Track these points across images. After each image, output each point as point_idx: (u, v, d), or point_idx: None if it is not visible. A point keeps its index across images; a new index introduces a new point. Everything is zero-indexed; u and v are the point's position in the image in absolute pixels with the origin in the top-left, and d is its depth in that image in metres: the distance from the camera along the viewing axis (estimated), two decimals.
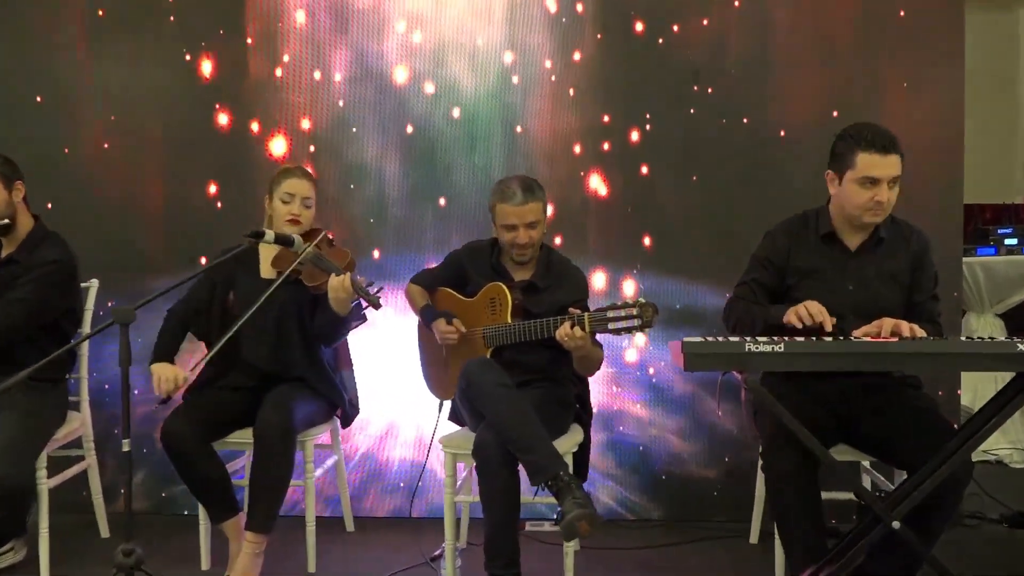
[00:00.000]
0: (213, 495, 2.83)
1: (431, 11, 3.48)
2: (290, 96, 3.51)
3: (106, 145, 3.57)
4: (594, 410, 3.13)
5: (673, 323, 3.41)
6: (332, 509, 3.50)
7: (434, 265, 3.17)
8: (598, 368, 2.89)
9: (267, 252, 2.97)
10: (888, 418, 2.51)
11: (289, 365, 2.94)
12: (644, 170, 3.44)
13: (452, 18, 3.48)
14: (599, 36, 3.44)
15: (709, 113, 3.40)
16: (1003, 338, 2.30)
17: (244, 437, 2.83)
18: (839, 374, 2.43)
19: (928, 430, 2.43)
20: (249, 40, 3.51)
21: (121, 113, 3.56)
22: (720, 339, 2.24)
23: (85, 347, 3.23)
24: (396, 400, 3.48)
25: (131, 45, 3.54)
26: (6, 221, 2.91)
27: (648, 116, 3.43)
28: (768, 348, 2.17)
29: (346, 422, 3.17)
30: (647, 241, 3.45)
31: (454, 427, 2.99)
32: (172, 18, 3.52)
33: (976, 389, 3.99)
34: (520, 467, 2.54)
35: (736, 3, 3.39)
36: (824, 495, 2.57)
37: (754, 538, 3.17)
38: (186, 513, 3.49)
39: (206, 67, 3.53)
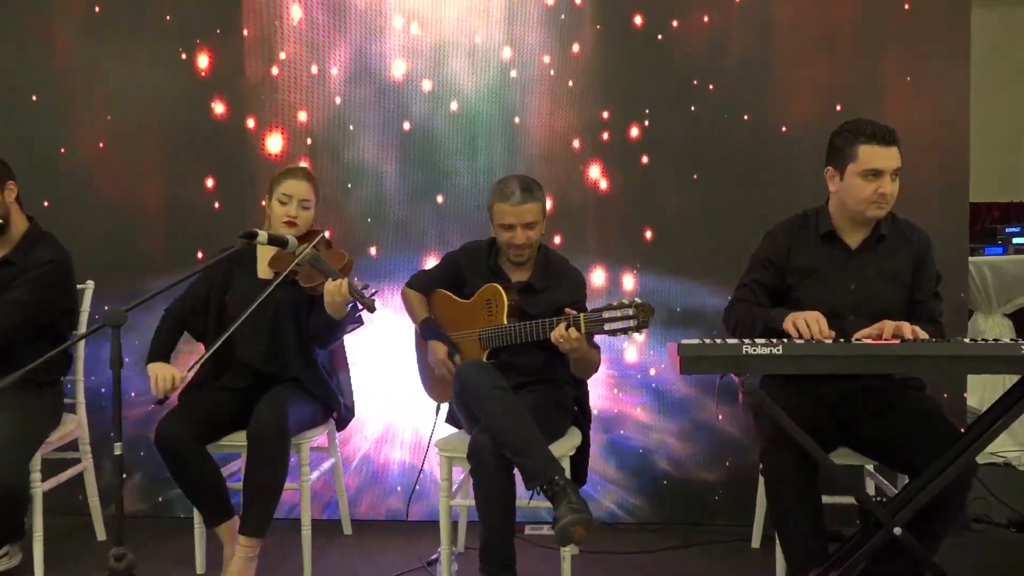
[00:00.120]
0: (207, 498, 2.81)
1: (429, 7, 3.45)
2: (287, 94, 3.48)
3: (102, 144, 3.55)
4: (594, 412, 3.09)
5: (673, 324, 3.37)
6: (330, 512, 3.47)
7: (431, 266, 3.14)
8: (595, 371, 2.85)
9: (265, 252, 2.95)
10: (889, 420, 2.47)
11: (284, 366, 2.92)
12: (644, 167, 3.39)
13: (450, 14, 3.44)
14: (598, 27, 3.39)
15: (710, 110, 3.36)
16: (1009, 339, 2.26)
17: (239, 440, 2.80)
18: (839, 376, 2.40)
19: (930, 433, 2.39)
20: (246, 38, 3.48)
21: (118, 112, 3.54)
22: (717, 341, 2.20)
23: (81, 349, 3.21)
24: (394, 402, 3.45)
25: (128, 44, 3.52)
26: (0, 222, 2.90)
27: (647, 112, 3.38)
28: (766, 350, 2.14)
29: (341, 425, 3.14)
30: (647, 239, 3.41)
31: (452, 430, 2.96)
32: (169, 17, 3.49)
33: (984, 390, 3.94)
34: (516, 471, 2.51)
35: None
36: (827, 499, 2.54)
37: (756, 542, 3.13)
38: (182, 516, 3.47)
39: (203, 66, 3.50)
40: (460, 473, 2.91)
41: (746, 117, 3.34)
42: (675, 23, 3.36)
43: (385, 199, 3.49)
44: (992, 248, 4.20)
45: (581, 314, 2.58)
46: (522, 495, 2.55)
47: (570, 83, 3.41)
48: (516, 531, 3.10)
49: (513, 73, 3.43)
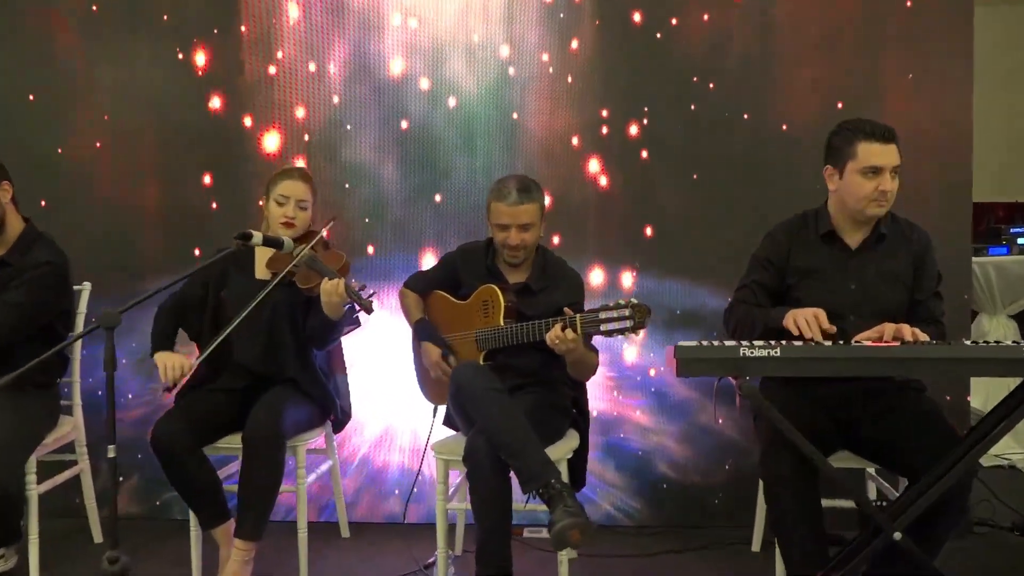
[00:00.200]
0: (203, 500, 2.79)
1: (427, 5, 3.42)
2: (285, 94, 3.46)
3: (99, 144, 3.53)
4: (593, 414, 3.07)
5: (673, 325, 3.34)
6: (327, 515, 3.45)
7: (428, 267, 3.12)
8: (593, 373, 2.83)
9: (263, 253, 2.94)
10: (889, 423, 2.45)
11: (281, 367, 2.90)
12: (644, 166, 3.37)
13: (449, 12, 3.42)
14: (597, 24, 3.37)
15: (710, 109, 3.33)
16: (1012, 341, 2.22)
17: (236, 442, 2.78)
18: (839, 378, 2.37)
19: (930, 436, 2.37)
20: (244, 37, 3.46)
21: (115, 112, 3.52)
22: (715, 343, 2.18)
23: (77, 351, 3.20)
24: (392, 404, 3.43)
25: (125, 43, 3.50)
26: None
27: (646, 110, 3.36)
28: (764, 353, 2.11)
29: (338, 427, 3.13)
30: (647, 239, 3.38)
31: (450, 432, 2.93)
32: (166, 16, 3.48)
33: (988, 392, 3.91)
34: (512, 473, 2.48)
35: None
36: (828, 502, 2.53)
37: (756, 546, 3.10)
38: (180, 518, 3.45)
39: (200, 65, 3.48)
40: (458, 476, 2.89)
41: (746, 116, 3.31)
42: (674, 21, 3.33)
43: (383, 199, 3.47)
44: (996, 248, 4.16)
45: (577, 315, 2.56)
46: (519, 498, 2.53)
47: (569, 80, 3.38)
48: (514, 534, 3.09)
49: (511, 71, 3.40)
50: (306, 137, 3.47)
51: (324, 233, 2.91)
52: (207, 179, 3.50)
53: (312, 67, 3.45)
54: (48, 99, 3.54)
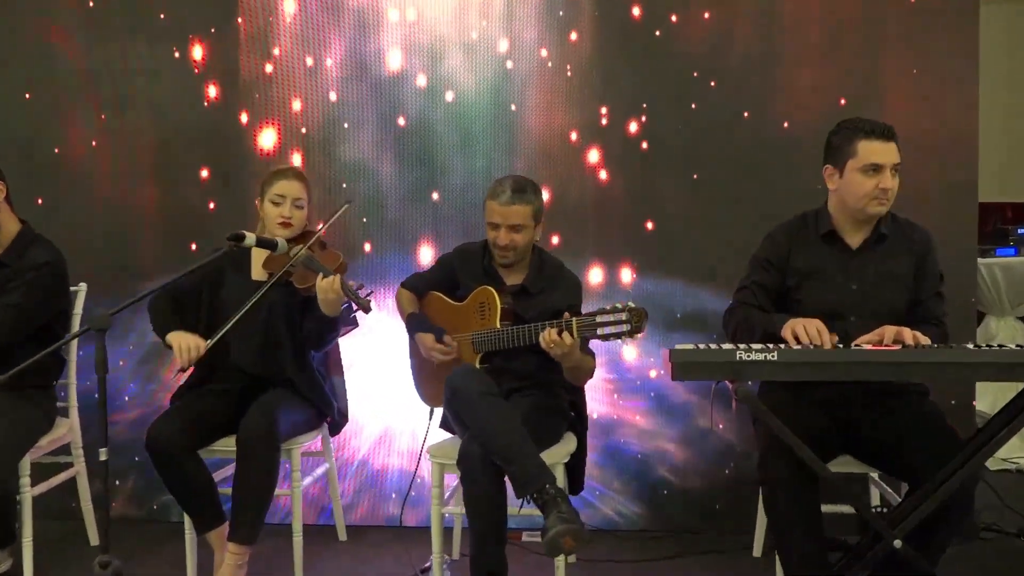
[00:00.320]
0: (198, 503, 2.77)
1: (426, 1, 3.39)
2: (282, 91, 3.44)
3: (95, 143, 3.52)
4: (592, 417, 3.03)
5: (674, 327, 3.30)
6: (325, 518, 3.43)
7: (426, 268, 3.09)
8: (589, 377, 2.79)
9: (259, 254, 2.92)
10: (890, 427, 2.41)
11: (278, 369, 2.88)
12: (643, 164, 3.33)
13: (447, 8, 3.38)
14: (596, 21, 3.33)
15: (710, 107, 3.28)
16: (1016, 344, 2.18)
17: (231, 444, 2.76)
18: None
19: (932, 440, 2.33)
20: (240, 35, 3.44)
21: (111, 111, 3.50)
22: (712, 346, 2.14)
23: (73, 352, 3.18)
24: (391, 406, 3.40)
25: (122, 42, 3.49)
26: None
27: (645, 107, 3.32)
28: (761, 356, 2.07)
29: (335, 430, 3.10)
30: (646, 238, 3.34)
31: (447, 435, 2.90)
32: (162, 15, 3.46)
33: (996, 395, 3.85)
34: (507, 478, 2.45)
35: None
36: (830, 508, 2.49)
37: (757, 551, 3.06)
38: (177, 521, 3.42)
39: (197, 64, 3.46)
40: (454, 479, 2.85)
41: (746, 115, 3.27)
42: (674, 18, 3.29)
43: (381, 198, 3.43)
44: (1004, 249, 4.11)
45: (574, 318, 2.52)
46: (513, 503, 2.50)
47: (568, 74, 3.34)
48: (512, 538, 3.06)
49: (510, 66, 3.37)
50: (303, 134, 3.44)
51: (324, 230, 2.90)
52: (205, 179, 3.48)
53: (309, 63, 3.43)
54: (45, 98, 3.53)
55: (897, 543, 2.13)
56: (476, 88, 3.38)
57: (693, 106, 3.29)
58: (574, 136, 3.35)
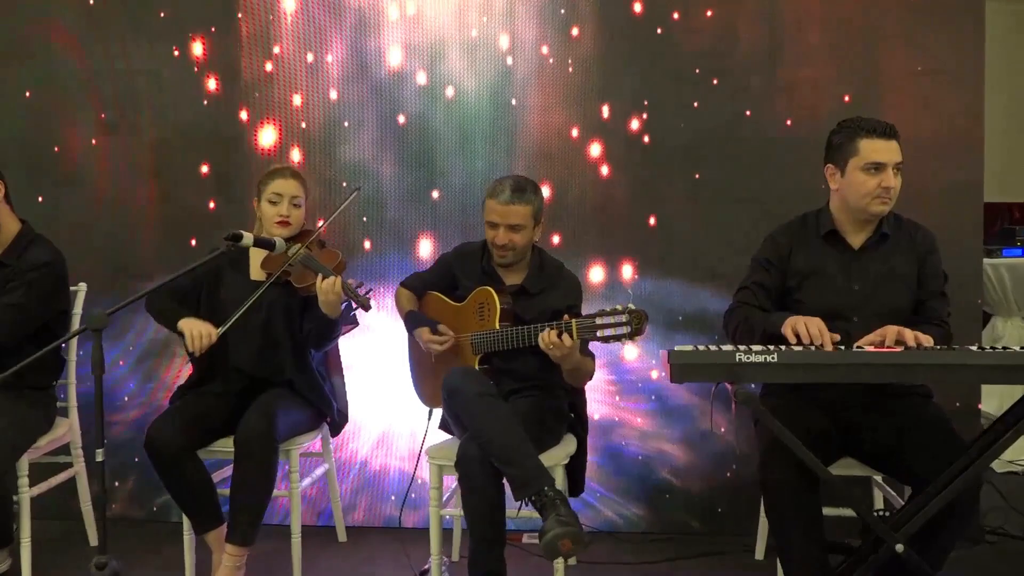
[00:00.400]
0: (197, 504, 2.77)
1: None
2: (282, 90, 3.42)
3: (94, 142, 3.51)
4: (594, 419, 3.01)
5: (675, 328, 3.27)
6: (325, 519, 3.42)
7: (426, 269, 3.07)
8: (589, 379, 2.77)
9: (257, 254, 2.91)
10: (891, 429, 2.39)
11: (277, 369, 2.87)
12: (645, 162, 3.29)
13: (448, 5, 3.36)
14: (598, 18, 3.30)
15: (712, 105, 3.25)
16: (1021, 346, 2.14)
17: (230, 445, 2.75)
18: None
19: (934, 443, 2.30)
20: (241, 34, 3.43)
21: (111, 109, 3.49)
22: (711, 348, 2.12)
23: (73, 353, 3.17)
24: (391, 407, 3.38)
25: (121, 40, 3.47)
26: None
27: (646, 104, 3.29)
28: (761, 358, 2.05)
29: (335, 430, 3.09)
30: (648, 237, 3.31)
31: (446, 436, 2.88)
32: (163, 13, 3.45)
33: (1002, 396, 3.81)
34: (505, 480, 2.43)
35: None
36: (833, 511, 2.46)
37: (759, 554, 3.03)
38: (177, 521, 3.41)
39: (197, 63, 3.45)
40: (453, 481, 2.83)
41: (748, 113, 3.24)
42: (676, 15, 3.26)
43: (381, 197, 3.41)
44: (1010, 250, 4.07)
45: (573, 320, 2.50)
46: (512, 505, 2.47)
47: (569, 72, 3.31)
48: (513, 540, 3.05)
49: (510, 61, 3.34)
50: (303, 132, 3.43)
51: (327, 225, 2.91)
52: (205, 178, 3.47)
53: (310, 61, 3.41)
54: (45, 97, 3.52)
55: (899, 547, 2.10)
56: (476, 86, 3.36)
57: (695, 104, 3.26)
58: (575, 133, 3.33)
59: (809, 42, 3.23)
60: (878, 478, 2.77)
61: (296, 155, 3.42)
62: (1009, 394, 3.65)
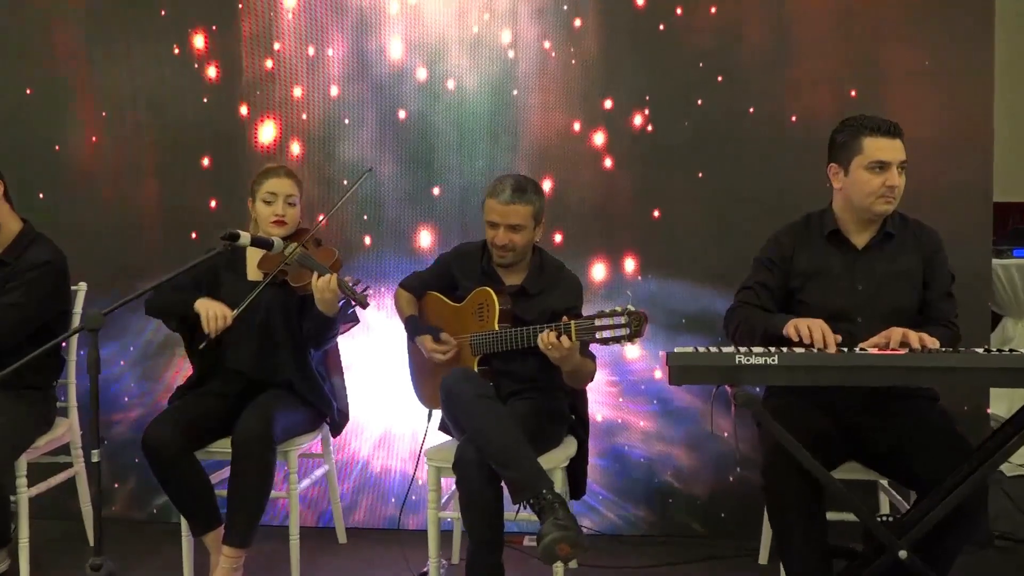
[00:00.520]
0: (194, 506, 2.76)
1: None
2: (282, 88, 3.40)
3: (95, 140, 3.49)
4: (596, 420, 2.97)
5: (678, 329, 3.23)
6: (326, 520, 3.40)
7: (425, 269, 3.04)
8: (590, 380, 2.74)
9: (254, 254, 2.90)
10: (896, 432, 2.35)
11: (275, 370, 2.86)
12: (648, 158, 3.25)
13: (448, 2, 3.33)
14: (600, 16, 3.26)
15: (716, 101, 3.21)
16: None
17: (228, 446, 2.73)
18: None
19: (939, 447, 2.26)
20: (242, 33, 3.41)
21: (112, 108, 3.48)
22: (711, 350, 2.08)
23: (72, 352, 3.16)
24: (392, 407, 3.36)
25: (122, 38, 3.46)
26: None
27: (649, 99, 3.25)
28: (761, 360, 2.01)
29: (335, 430, 3.07)
30: (651, 233, 3.27)
31: (446, 437, 2.86)
32: (163, 12, 3.43)
33: (1012, 399, 3.77)
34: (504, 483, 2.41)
35: None
36: (838, 515, 2.43)
37: (763, 558, 3.00)
38: (177, 522, 3.40)
39: (198, 61, 3.43)
40: (452, 483, 2.81)
41: (752, 110, 3.19)
42: (679, 10, 3.22)
43: (381, 196, 3.37)
44: (1021, 250, 4.01)
45: (572, 321, 2.47)
46: (511, 507, 2.45)
47: (572, 66, 3.28)
48: (514, 543, 3.02)
49: (512, 55, 3.31)
50: (304, 130, 3.40)
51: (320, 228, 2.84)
52: (206, 176, 3.45)
53: (311, 57, 3.39)
54: (45, 94, 3.51)
55: (903, 553, 2.06)
56: (478, 82, 3.32)
57: (699, 101, 3.22)
58: (577, 127, 3.29)
59: (814, 38, 3.18)
60: (884, 482, 2.72)
61: (296, 151, 3.40)
62: (1019, 396, 3.62)
